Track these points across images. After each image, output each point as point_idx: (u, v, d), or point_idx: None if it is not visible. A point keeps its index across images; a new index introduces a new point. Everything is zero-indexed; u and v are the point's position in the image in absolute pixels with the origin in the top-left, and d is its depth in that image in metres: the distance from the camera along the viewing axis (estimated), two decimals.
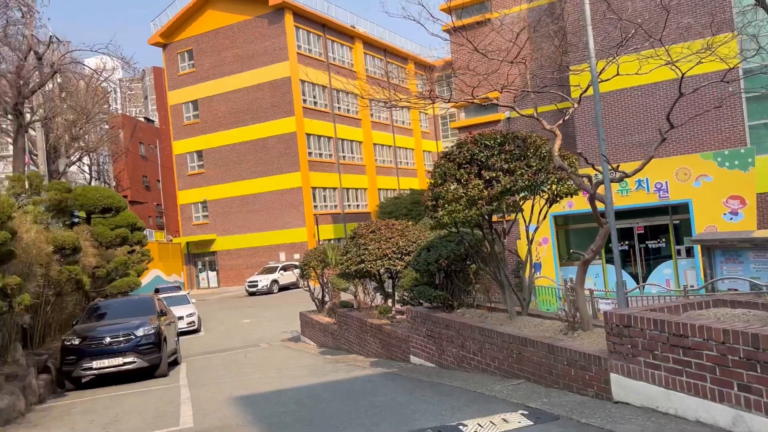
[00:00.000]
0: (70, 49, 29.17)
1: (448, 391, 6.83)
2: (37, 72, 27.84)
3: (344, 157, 49.53)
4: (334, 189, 47.98)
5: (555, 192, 7.28)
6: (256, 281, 37.81)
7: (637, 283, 17.39)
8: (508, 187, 6.76)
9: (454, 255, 8.67)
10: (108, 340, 12.40)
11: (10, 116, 26.62)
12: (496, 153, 6.97)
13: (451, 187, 6.92)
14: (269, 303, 32.09)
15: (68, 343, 12.40)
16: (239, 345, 18.89)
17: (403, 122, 59.15)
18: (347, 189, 49.51)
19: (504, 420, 5.37)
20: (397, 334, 10.53)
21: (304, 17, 46.16)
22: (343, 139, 49.55)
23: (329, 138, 47.93)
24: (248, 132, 45.60)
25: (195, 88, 47.65)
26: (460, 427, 5.33)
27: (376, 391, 7.58)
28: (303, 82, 45.52)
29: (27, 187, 14.78)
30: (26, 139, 30.35)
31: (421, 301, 11.08)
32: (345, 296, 16.72)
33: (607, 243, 19.98)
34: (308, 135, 45.40)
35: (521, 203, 7.66)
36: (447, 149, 7.50)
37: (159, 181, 66.87)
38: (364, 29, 53.41)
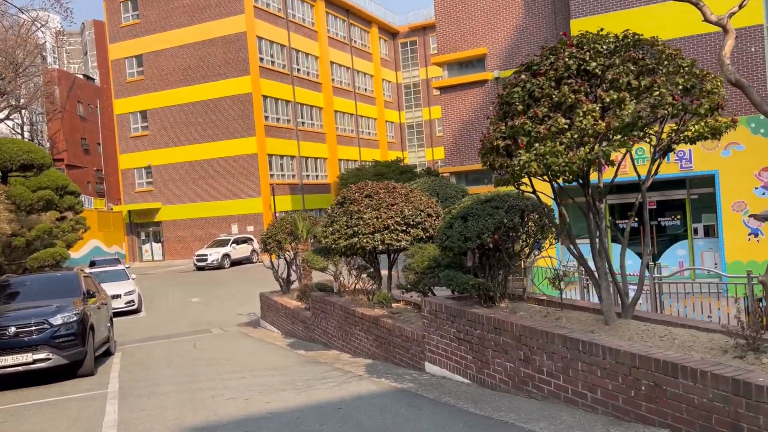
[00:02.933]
0: None
1: None
2: None
3: (303, 123, 46.19)
4: (292, 157, 44.68)
5: (698, 129, 4.67)
6: (206, 255, 34.60)
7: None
8: (640, 115, 4.17)
9: (504, 227, 6.05)
10: (13, 329, 9.59)
11: None
12: (618, 62, 4.34)
13: (542, 114, 4.26)
14: (221, 279, 29.01)
15: None
16: (187, 330, 15.99)
17: (366, 89, 55.97)
18: (306, 158, 46.26)
19: None
20: (404, 332, 7.90)
21: None
22: (302, 104, 46.13)
23: (287, 102, 44.44)
24: (199, 91, 41.62)
25: (139, 41, 43.18)
26: None
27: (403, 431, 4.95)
28: (260, 39, 41.79)
29: None
30: None
31: (431, 288, 8.48)
32: (317, 276, 14.00)
33: (618, 218, 17.96)
34: (265, 97, 41.83)
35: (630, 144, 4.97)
36: (528, 60, 4.77)
37: (99, 144, 61.85)
38: None
